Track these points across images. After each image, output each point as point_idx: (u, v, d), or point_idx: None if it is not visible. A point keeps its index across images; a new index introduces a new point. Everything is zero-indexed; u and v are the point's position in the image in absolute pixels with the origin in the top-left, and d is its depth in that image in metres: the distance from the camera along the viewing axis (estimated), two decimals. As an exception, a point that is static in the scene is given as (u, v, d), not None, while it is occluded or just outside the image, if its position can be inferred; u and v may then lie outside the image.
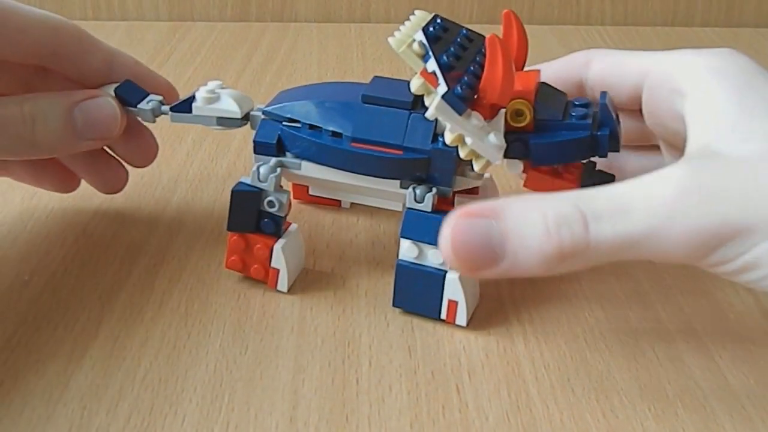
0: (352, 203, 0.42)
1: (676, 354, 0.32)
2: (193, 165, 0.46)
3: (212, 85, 0.36)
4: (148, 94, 0.37)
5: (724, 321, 0.30)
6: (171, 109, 0.36)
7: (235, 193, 0.35)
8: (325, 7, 0.71)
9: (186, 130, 0.48)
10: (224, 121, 0.36)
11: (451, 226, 0.28)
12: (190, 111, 0.36)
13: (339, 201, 0.42)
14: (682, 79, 0.32)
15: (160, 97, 0.37)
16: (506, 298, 0.36)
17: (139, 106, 0.36)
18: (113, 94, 0.36)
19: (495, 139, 0.30)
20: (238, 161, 0.46)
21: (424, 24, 0.31)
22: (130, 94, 0.36)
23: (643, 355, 0.32)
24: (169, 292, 0.36)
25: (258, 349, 0.32)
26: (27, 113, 0.33)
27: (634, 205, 0.27)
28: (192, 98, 0.36)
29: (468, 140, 0.30)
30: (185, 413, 0.29)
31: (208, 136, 0.49)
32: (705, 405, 0.30)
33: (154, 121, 0.37)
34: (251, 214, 0.35)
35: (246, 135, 0.48)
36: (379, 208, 0.37)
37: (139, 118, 0.37)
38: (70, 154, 0.38)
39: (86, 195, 0.43)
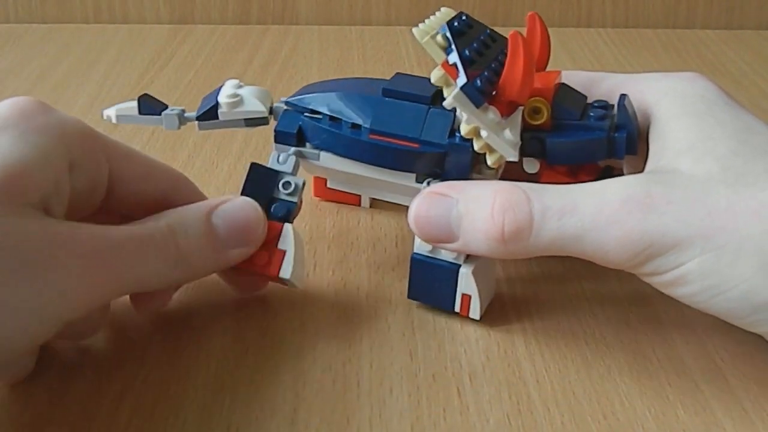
0: (372, 202, 0.42)
1: (677, 355, 0.32)
2: (194, 167, 0.46)
3: (231, 86, 0.36)
4: (167, 106, 0.37)
5: (725, 322, 0.30)
6: (198, 119, 0.36)
7: (253, 165, 0.34)
8: (326, 9, 0.71)
9: (186, 131, 0.48)
10: (251, 121, 0.36)
11: (417, 201, 0.31)
12: (216, 117, 0.36)
13: (359, 198, 0.42)
14: (647, 102, 0.33)
15: (182, 107, 0.37)
16: (507, 299, 0.36)
17: (164, 113, 0.36)
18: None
19: (510, 135, 0.31)
20: (238, 164, 0.46)
21: (449, 19, 0.31)
22: (149, 105, 0.36)
23: (643, 356, 0.32)
24: (170, 294, 0.36)
25: (259, 351, 0.32)
26: (165, 226, 0.30)
27: (582, 204, 0.29)
28: (216, 105, 0.36)
29: (483, 133, 0.31)
30: (186, 415, 0.29)
31: (209, 138, 0.49)
32: (705, 407, 0.30)
33: (179, 128, 0.37)
34: (264, 194, 0.34)
35: (246, 137, 0.48)
36: (391, 202, 0.38)
37: (164, 126, 0.36)
38: (223, 269, 0.33)
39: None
